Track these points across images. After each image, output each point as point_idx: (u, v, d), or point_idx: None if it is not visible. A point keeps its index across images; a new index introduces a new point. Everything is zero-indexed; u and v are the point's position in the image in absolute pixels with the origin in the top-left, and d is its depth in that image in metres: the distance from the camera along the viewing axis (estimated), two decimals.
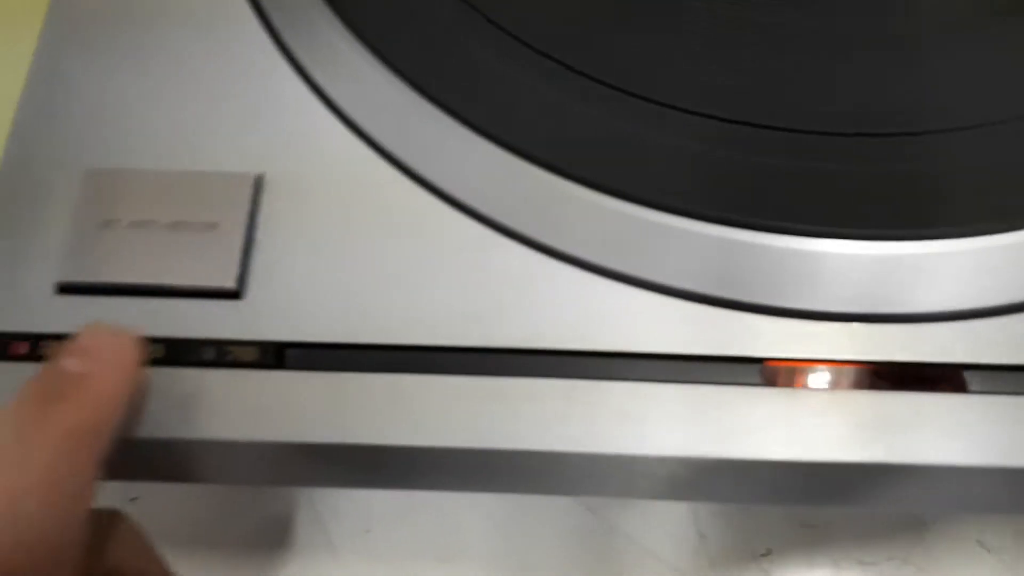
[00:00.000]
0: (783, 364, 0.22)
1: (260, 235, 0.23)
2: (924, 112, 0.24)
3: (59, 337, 0.22)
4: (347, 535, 0.38)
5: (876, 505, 0.23)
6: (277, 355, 0.22)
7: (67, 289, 0.23)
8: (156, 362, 0.22)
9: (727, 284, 0.22)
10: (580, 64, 0.24)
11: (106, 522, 0.21)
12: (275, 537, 0.36)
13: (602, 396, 0.22)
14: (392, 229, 0.23)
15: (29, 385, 0.19)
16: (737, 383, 0.22)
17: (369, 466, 0.22)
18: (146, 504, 0.38)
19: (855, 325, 0.22)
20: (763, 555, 0.38)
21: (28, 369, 0.22)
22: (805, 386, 0.22)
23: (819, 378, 0.22)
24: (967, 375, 0.22)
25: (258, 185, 0.24)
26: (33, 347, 0.22)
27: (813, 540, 0.38)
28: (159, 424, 0.21)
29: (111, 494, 0.21)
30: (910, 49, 0.25)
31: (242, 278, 0.23)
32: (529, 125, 0.24)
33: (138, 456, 0.21)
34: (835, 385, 0.22)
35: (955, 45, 0.26)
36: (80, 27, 0.27)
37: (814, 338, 0.22)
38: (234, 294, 0.22)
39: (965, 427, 0.21)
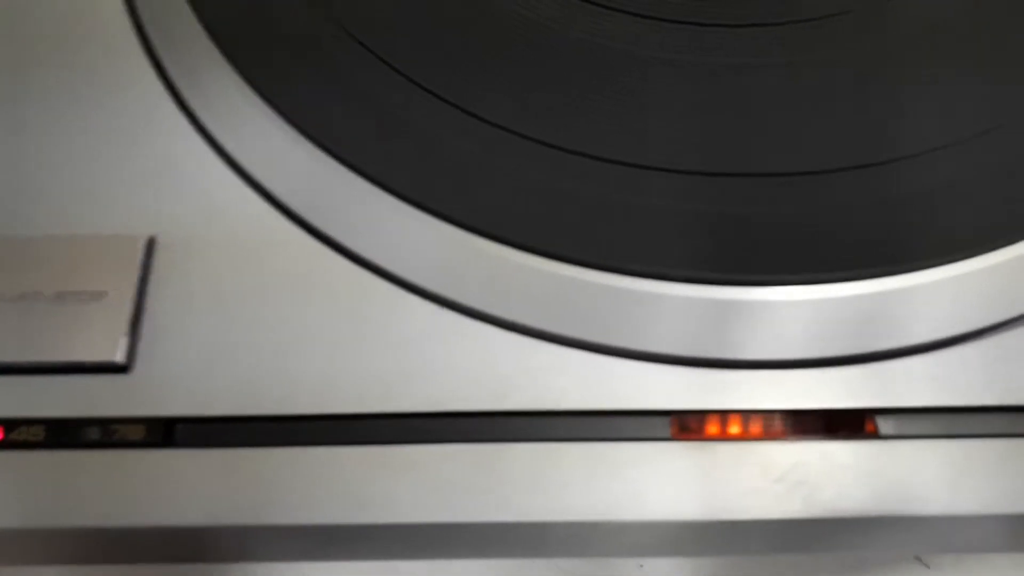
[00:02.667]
0: (693, 416, 0.22)
1: (151, 302, 0.22)
2: (808, 154, 0.24)
3: None
4: None
5: (799, 552, 0.23)
6: (166, 432, 0.21)
7: None
8: (34, 445, 0.20)
9: (629, 335, 0.22)
10: (473, 108, 0.24)
11: None
12: None
13: (509, 459, 0.21)
14: (292, 291, 0.23)
15: None
16: (647, 438, 0.21)
17: (273, 546, 0.21)
18: None
19: (765, 373, 0.22)
20: None
21: None
22: (716, 438, 0.21)
23: (730, 429, 0.22)
24: (878, 419, 0.22)
25: (149, 248, 0.23)
26: None
27: (752, 566, 0.38)
28: (39, 512, 0.20)
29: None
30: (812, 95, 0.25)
31: (130, 350, 0.22)
32: (431, 179, 0.23)
33: (17, 544, 0.20)
34: (747, 435, 0.22)
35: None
36: None
37: (725, 388, 0.22)
38: (121, 368, 0.21)
39: (876, 475, 0.21)
